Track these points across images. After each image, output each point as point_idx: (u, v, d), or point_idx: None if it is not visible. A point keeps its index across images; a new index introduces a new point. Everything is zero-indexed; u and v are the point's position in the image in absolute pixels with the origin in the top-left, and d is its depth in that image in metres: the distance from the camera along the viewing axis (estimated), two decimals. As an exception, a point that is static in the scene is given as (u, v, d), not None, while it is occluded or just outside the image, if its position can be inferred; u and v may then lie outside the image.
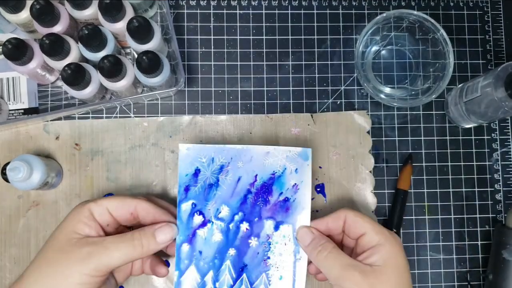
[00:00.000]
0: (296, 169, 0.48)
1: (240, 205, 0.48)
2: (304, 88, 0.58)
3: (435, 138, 0.58)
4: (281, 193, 0.48)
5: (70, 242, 0.41)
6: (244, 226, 0.48)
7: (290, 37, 0.59)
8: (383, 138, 0.58)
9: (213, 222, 0.47)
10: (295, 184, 0.48)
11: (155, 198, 0.50)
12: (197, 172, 0.47)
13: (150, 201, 0.46)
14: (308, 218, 0.48)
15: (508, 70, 0.48)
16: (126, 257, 0.41)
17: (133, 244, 0.41)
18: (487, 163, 0.58)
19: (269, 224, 0.48)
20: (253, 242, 0.48)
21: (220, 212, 0.47)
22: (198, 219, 0.47)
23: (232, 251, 0.47)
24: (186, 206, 0.47)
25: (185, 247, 0.47)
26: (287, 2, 0.60)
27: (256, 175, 0.48)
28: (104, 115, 0.56)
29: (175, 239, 0.46)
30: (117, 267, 0.42)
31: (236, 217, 0.48)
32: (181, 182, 0.47)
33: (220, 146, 0.48)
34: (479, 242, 0.57)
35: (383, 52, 0.59)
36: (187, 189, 0.47)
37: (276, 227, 0.48)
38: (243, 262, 0.47)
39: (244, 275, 0.47)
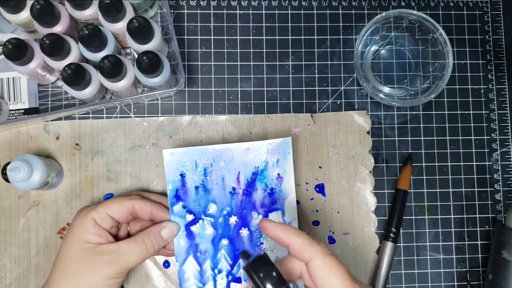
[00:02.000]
0: (278, 160, 0.51)
1: (227, 201, 0.51)
2: (304, 88, 0.58)
3: (435, 138, 0.59)
4: (266, 185, 0.51)
5: (86, 252, 0.45)
6: (233, 219, 0.51)
7: (290, 37, 0.59)
8: (383, 138, 0.58)
9: (203, 219, 0.51)
10: (278, 174, 0.52)
11: (148, 193, 0.53)
12: (182, 177, 0.51)
13: (144, 197, 0.50)
14: (294, 202, 0.52)
15: None
16: (141, 258, 0.46)
17: (145, 246, 0.46)
18: (487, 163, 0.58)
19: (257, 215, 0.51)
20: (244, 232, 0.51)
21: (208, 210, 0.51)
22: (189, 217, 0.50)
23: (225, 241, 0.51)
24: (177, 208, 0.50)
25: (182, 242, 0.50)
26: (287, 2, 0.60)
27: (238, 173, 0.51)
28: (104, 115, 0.56)
29: None
30: (135, 267, 0.48)
31: (224, 212, 0.51)
32: (169, 188, 0.50)
33: (201, 148, 0.51)
34: (479, 242, 0.57)
35: (383, 52, 0.59)
36: (176, 193, 0.50)
37: (265, 216, 0.51)
38: (237, 250, 0.51)
39: (241, 261, 0.51)
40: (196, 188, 0.51)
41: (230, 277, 0.51)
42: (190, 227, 0.50)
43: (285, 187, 0.52)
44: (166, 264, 0.55)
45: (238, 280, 0.51)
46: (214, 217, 0.51)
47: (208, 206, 0.51)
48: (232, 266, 0.51)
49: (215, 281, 0.50)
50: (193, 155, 0.51)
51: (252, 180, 0.51)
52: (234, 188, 0.51)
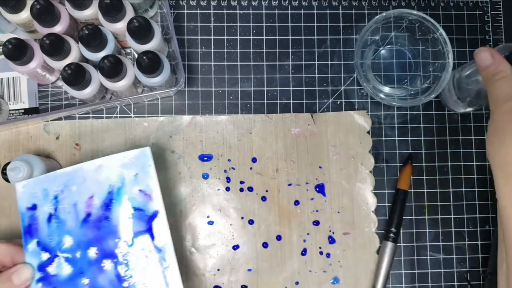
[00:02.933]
0: (136, 174, 0.45)
1: (83, 231, 0.44)
2: (304, 88, 0.58)
3: (435, 138, 0.59)
4: (126, 204, 0.45)
5: None
6: (92, 251, 0.44)
7: (290, 37, 0.59)
8: (383, 138, 0.58)
9: (59, 256, 0.44)
10: (141, 190, 0.45)
11: (16, 239, 0.46)
12: (34, 209, 0.45)
13: (10, 242, 0.44)
14: (165, 222, 0.45)
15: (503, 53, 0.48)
16: None
17: None
18: (487, 163, 0.58)
19: (120, 242, 0.44)
20: (107, 264, 0.44)
21: (64, 244, 0.44)
22: (44, 256, 0.44)
23: (85, 281, 0.44)
24: (32, 247, 0.44)
25: (39, 287, 0.44)
26: (287, 2, 0.60)
27: (92, 195, 0.45)
28: (104, 115, 0.56)
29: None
30: None
31: (81, 244, 0.44)
32: (22, 223, 0.45)
33: (51, 174, 0.45)
34: (479, 242, 0.57)
35: (383, 52, 0.59)
36: (29, 228, 0.45)
37: (130, 244, 0.44)
38: None
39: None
40: (49, 220, 0.44)
41: None
42: (46, 268, 0.44)
43: (151, 206, 0.45)
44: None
45: None
46: (70, 252, 0.44)
47: (63, 239, 0.44)
48: None
49: None
50: (44, 183, 0.45)
51: (108, 202, 0.45)
52: (89, 214, 0.45)
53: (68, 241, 0.44)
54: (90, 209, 0.45)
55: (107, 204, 0.45)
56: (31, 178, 0.46)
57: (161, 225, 0.45)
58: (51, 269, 0.44)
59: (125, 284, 0.44)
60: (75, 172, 0.45)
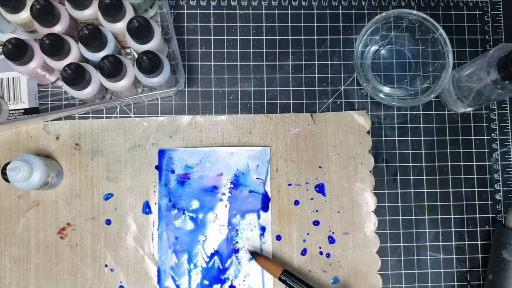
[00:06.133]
0: (258, 165, 0.56)
1: (208, 199, 0.55)
2: (304, 88, 0.58)
3: (435, 138, 0.59)
4: (246, 187, 0.55)
5: None
6: (212, 215, 0.55)
7: (290, 37, 0.59)
8: (383, 138, 0.58)
9: (186, 214, 0.55)
10: (258, 178, 0.56)
11: None
12: (172, 173, 0.55)
13: None
14: (269, 208, 0.55)
15: (499, 53, 0.48)
16: None
17: None
18: (487, 163, 0.58)
19: (235, 214, 0.55)
20: (222, 229, 0.55)
21: (191, 206, 0.55)
22: (174, 211, 0.55)
23: (202, 237, 0.55)
24: (164, 202, 0.55)
25: (164, 235, 0.54)
26: (287, 2, 0.60)
27: (222, 173, 0.55)
28: (104, 115, 0.56)
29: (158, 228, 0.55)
30: None
31: (205, 209, 0.55)
32: (160, 183, 0.55)
33: (189, 149, 0.56)
34: (479, 242, 0.57)
35: (383, 52, 0.59)
36: (166, 187, 0.55)
37: (242, 216, 0.55)
38: (213, 247, 0.55)
39: (216, 257, 0.54)
40: (182, 184, 0.55)
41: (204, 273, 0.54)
42: (173, 220, 0.55)
43: (263, 192, 0.55)
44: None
45: (212, 276, 0.54)
46: (195, 212, 0.55)
47: (191, 202, 0.55)
48: (207, 263, 0.54)
49: (190, 276, 0.54)
50: (183, 154, 0.55)
51: (233, 181, 0.55)
52: (216, 187, 0.55)
53: (195, 204, 0.55)
54: (218, 183, 0.55)
55: (232, 183, 0.55)
56: (172, 148, 0.55)
57: (266, 210, 0.55)
58: (176, 223, 0.55)
59: (231, 246, 0.54)
60: (211, 152, 0.56)
